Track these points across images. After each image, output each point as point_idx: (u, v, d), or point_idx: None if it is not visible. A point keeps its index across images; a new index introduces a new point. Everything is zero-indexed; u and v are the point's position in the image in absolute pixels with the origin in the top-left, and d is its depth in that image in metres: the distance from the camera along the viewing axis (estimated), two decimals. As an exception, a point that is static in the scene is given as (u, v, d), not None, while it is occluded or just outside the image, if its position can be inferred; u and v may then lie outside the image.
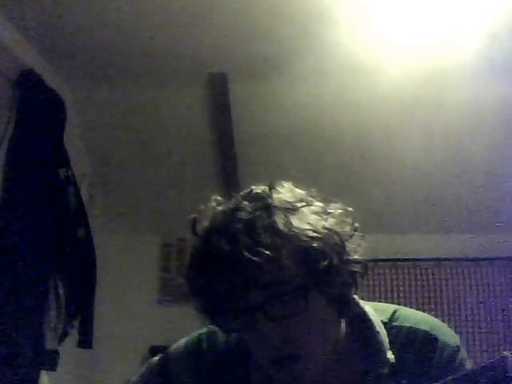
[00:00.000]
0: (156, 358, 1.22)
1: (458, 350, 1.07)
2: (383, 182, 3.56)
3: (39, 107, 2.75)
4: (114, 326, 3.62)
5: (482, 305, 3.72)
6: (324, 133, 3.38)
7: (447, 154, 3.45)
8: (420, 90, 3.13)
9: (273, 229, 0.94)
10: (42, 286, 2.61)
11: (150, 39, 2.86)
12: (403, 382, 1.03)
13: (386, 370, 1.04)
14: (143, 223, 3.86)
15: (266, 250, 0.92)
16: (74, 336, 2.88)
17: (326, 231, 0.98)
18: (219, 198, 1.06)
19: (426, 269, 3.80)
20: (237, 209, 0.98)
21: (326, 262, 0.96)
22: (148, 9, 2.67)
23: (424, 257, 3.77)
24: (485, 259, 3.74)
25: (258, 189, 1.02)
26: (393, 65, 2.96)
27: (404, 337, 1.07)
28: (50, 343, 2.60)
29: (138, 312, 3.74)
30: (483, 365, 0.84)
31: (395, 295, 3.72)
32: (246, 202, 0.99)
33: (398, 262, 3.75)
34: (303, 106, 3.27)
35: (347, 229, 1.02)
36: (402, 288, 3.77)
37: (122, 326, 3.67)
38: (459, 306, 3.73)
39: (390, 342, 1.06)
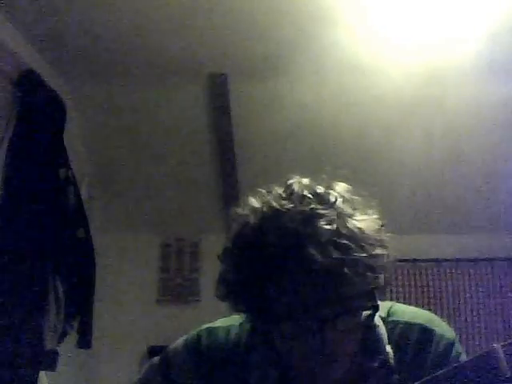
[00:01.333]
0: (156, 358, 1.22)
1: (454, 343, 1.08)
2: (383, 182, 3.55)
3: (39, 107, 2.75)
4: (113, 326, 3.62)
5: (481, 305, 3.72)
6: (324, 133, 3.38)
7: (447, 154, 3.46)
8: (420, 91, 3.13)
9: (355, 241, 0.93)
10: (42, 286, 2.60)
11: (150, 39, 2.86)
12: (400, 375, 1.04)
13: (384, 364, 1.05)
14: (143, 223, 3.86)
15: (357, 267, 0.92)
16: (73, 336, 2.88)
17: (385, 244, 0.99)
18: (276, 190, 1.01)
19: (426, 269, 3.80)
20: (315, 214, 0.95)
21: (383, 277, 0.98)
22: (148, 9, 2.66)
23: (424, 257, 3.78)
24: (484, 260, 3.74)
25: (318, 188, 1.00)
26: (393, 65, 2.96)
27: (401, 331, 1.09)
28: (49, 343, 2.60)
29: (137, 312, 3.74)
30: (474, 357, 0.85)
31: (395, 295, 3.72)
32: (318, 205, 0.96)
33: (398, 263, 3.73)
34: (303, 105, 3.27)
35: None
36: (401, 289, 3.77)
37: (121, 326, 3.67)
38: (459, 306, 3.73)
39: (387, 336, 1.08)
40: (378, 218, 1.02)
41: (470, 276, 3.77)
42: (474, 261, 3.76)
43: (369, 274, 0.94)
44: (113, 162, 3.62)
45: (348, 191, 1.02)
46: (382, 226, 1.01)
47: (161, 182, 3.67)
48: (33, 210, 2.59)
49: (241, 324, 1.15)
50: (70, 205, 2.87)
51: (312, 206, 0.96)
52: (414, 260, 3.78)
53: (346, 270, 0.91)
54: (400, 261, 3.73)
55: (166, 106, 3.31)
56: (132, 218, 3.84)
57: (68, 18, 2.71)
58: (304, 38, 2.83)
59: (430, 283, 3.79)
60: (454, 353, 1.07)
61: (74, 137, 3.22)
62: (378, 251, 0.96)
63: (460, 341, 1.11)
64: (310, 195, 0.98)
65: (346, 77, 3.07)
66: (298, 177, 1.03)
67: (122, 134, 3.46)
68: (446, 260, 3.77)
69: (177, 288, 3.84)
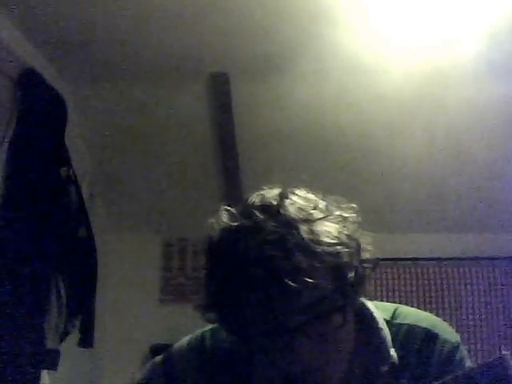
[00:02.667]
0: (159, 357, 1.21)
1: (458, 347, 1.07)
2: (384, 182, 3.56)
3: (40, 106, 2.75)
4: (115, 325, 3.63)
5: (483, 304, 3.72)
6: (325, 132, 3.38)
7: (448, 154, 3.45)
8: (421, 90, 3.13)
9: (305, 249, 0.92)
10: (44, 285, 2.60)
11: (151, 39, 2.86)
12: (404, 379, 1.03)
13: (388, 368, 1.04)
14: (144, 223, 3.86)
15: (306, 273, 0.90)
16: (75, 335, 2.87)
17: (348, 241, 0.97)
18: (229, 209, 1.01)
19: (428, 268, 3.80)
20: (260, 227, 0.94)
21: (353, 274, 0.96)
22: (149, 9, 2.66)
23: (425, 256, 3.78)
24: (486, 259, 3.74)
25: (272, 199, 0.98)
26: (394, 65, 2.96)
27: (405, 334, 1.08)
28: (50, 342, 2.59)
29: (140, 311, 3.74)
30: (482, 364, 0.84)
31: (396, 294, 3.72)
32: (264, 218, 0.95)
33: (399, 262, 3.75)
34: (304, 105, 3.27)
35: (360, 230, 1.02)
36: (402, 287, 3.77)
37: (123, 325, 3.67)
38: (460, 305, 3.73)
39: (391, 339, 1.07)
40: (341, 216, 0.99)
41: (471, 275, 3.77)
42: (476, 259, 3.75)
43: (321, 274, 0.92)
44: (115, 161, 3.62)
45: (306, 196, 1.00)
46: (344, 220, 0.99)
47: (163, 181, 3.67)
48: (34, 210, 2.59)
49: None
50: (72, 204, 2.87)
51: (256, 219, 0.95)
52: (416, 259, 3.78)
53: (287, 276, 0.89)
54: (401, 259, 3.74)
55: (167, 105, 3.32)
56: (134, 218, 3.85)
57: (69, 17, 2.71)
58: (305, 37, 2.83)
59: (432, 282, 3.79)
60: (458, 357, 1.06)
61: (75, 136, 3.22)
62: (336, 248, 0.94)
63: (461, 340, 1.11)
64: (257, 210, 0.96)
65: (348, 76, 3.07)
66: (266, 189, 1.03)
67: (123, 134, 3.47)
68: (448, 259, 3.77)
69: (179, 287, 3.85)
